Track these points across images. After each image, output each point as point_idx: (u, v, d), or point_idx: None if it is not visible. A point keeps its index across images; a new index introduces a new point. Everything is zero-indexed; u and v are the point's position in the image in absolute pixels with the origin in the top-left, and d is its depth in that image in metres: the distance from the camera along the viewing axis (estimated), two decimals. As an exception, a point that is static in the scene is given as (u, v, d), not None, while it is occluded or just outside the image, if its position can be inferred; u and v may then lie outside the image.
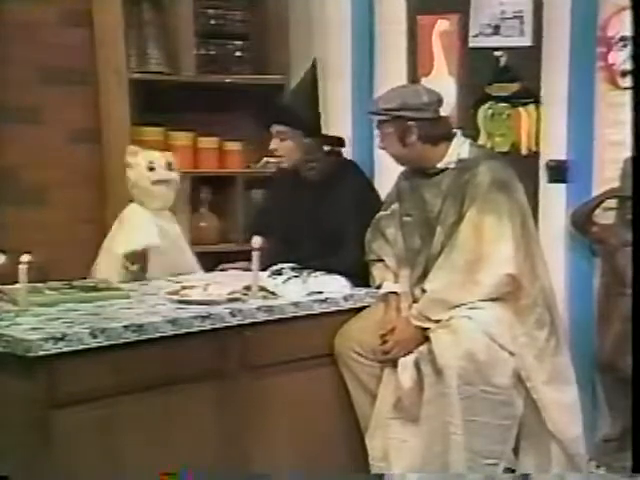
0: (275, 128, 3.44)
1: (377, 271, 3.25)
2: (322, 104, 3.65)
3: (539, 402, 2.98)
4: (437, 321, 2.98)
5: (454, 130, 3.21)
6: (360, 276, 3.27)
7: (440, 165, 3.14)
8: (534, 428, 3.03)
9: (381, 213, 3.30)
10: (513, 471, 3.10)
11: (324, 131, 3.55)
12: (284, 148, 3.45)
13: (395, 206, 3.27)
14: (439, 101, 3.17)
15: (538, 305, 3.03)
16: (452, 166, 3.13)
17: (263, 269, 3.12)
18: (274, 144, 3.46)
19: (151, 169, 3.43)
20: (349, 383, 3.11)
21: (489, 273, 2.97)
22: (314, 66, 3.52)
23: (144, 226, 3.38)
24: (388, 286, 3.18)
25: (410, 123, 3.09)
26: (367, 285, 3.26)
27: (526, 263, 3.01)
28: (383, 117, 3.14)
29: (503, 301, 2.99)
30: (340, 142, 3.56)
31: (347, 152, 3.75)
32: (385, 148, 3.22)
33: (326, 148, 3.51)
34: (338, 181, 3.42)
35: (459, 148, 3.15)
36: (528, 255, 3.03)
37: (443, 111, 3.19)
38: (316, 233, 3.36)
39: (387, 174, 3.55)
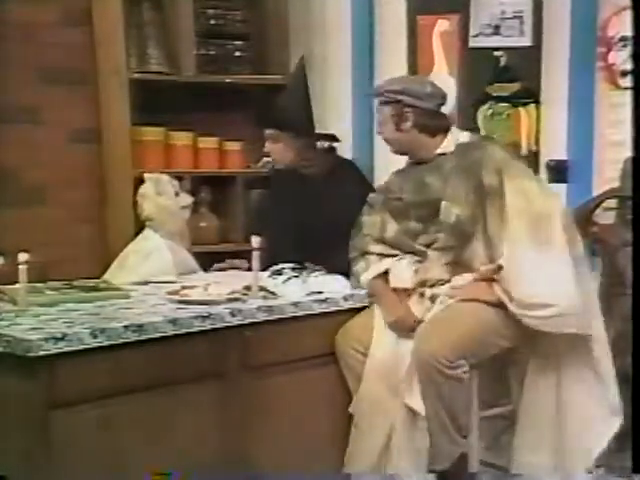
0: (266, 131, 3.47)
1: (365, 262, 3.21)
2: (323, 104, 3.66)
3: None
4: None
5: (452, 126, 3.23)
6: None
7: (438, 151, 3.16)
8: (530, 424, 3.07)
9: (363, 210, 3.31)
10: (507, 470, 3.13)
11: (323, 129, 3.56)
12: (276, 150, 3.49)
13: (375, 195, 3.28)
14: (443, 97, 3.20)
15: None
16: (451, 149, 3.15)
17: (263, 269, 3.12)
18: (267, 147, 3.50)
19: (177, 194, 3.47)
20: (350, 382, 3.11)
21: (555, 227, 2.97)
22: (302, 65, 3.53)
23: (165, 263, 3.37)
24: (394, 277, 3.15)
25: (407, 109, 3.12)
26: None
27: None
28: (383, 98, 3.18)
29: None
30: (333, 139, 3.57)
31: (347, 150, 3.75)
32: (382, 133, 3.24)
33: (323, 144, 3.53)
34: (336, 179, 3.43)
35: (457, 135, 3.19)
36: None
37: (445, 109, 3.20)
38: (315, 231, 3.35)
39: (387, 171, 3.55)
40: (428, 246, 3.14)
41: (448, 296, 3.03)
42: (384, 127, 3.20)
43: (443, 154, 3.15)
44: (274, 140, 3.47)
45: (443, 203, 3.08)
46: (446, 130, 3.17)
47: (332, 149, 3.59)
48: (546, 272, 2.91)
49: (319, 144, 3.59)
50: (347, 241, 3.25)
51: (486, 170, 3.04)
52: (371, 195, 3.30)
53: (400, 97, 3.12)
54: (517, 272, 2.94)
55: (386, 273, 3.15)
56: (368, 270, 3.17)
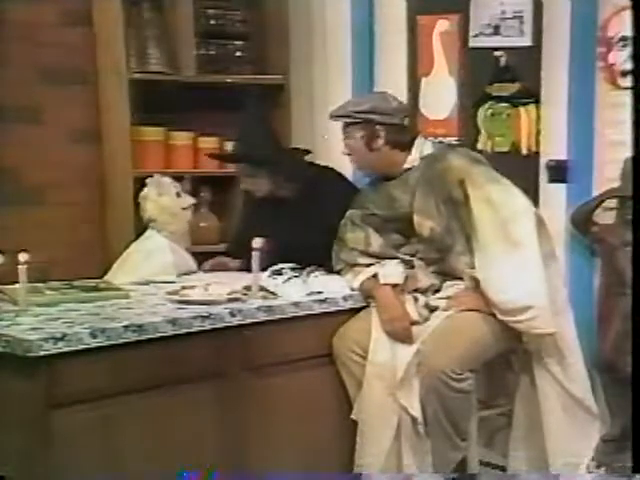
0: (238, 167, 3.50)
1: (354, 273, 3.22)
2: (323, 105, 3.65)
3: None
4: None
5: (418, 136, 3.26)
6: None
7: (405, 166, 3.18)
8: (526, 423, 3.09)
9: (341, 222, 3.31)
10: (503, 469, 3.15)
11: (323, 130, 3.55)
12: (253, 184, 3.49)
13: (353, 211, 3.28)
14: (406, 110, 3.25)
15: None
16: (417, 163, 3.16)
17: (263, 269, 3.12)
18: (242, 183, 3.52)
19: (178, 195, 3.48)
20: (348, 385, 3.11)
21: (524, 227, 2.99)
22: (256, 99, 3.54)
23: (166, 263, 3.39)
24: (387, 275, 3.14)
25: (378, 127, 3.12)
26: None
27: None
28: (352, 120, 3.15)
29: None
30: (303, 153, 3.55)
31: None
32: (350, 154, 3.23)
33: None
34: (314, 196, 3.42)
35: (421, 147, 3.20)
36: None
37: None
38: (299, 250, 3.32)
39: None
40: (413, 255, 3.16)
41: (446, 308, 3.04)
42: (354, 148, 3.19)
43: (409, 168, 3.16)
44: (248, 176, 3.47)
45: (415, 217, 3.11)
46: (413, 142, 3.19)
47: (307, 166, 3.56)
48: (518, 276, 2.94)
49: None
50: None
51: (450, 183, 3.07)
52: (350, 211, 3.30)
53: (371, 116, 3.11)
54: (491, 282, 2.98)
55: (375, 277, 3.16)
56: (358, 276, 3.17)
